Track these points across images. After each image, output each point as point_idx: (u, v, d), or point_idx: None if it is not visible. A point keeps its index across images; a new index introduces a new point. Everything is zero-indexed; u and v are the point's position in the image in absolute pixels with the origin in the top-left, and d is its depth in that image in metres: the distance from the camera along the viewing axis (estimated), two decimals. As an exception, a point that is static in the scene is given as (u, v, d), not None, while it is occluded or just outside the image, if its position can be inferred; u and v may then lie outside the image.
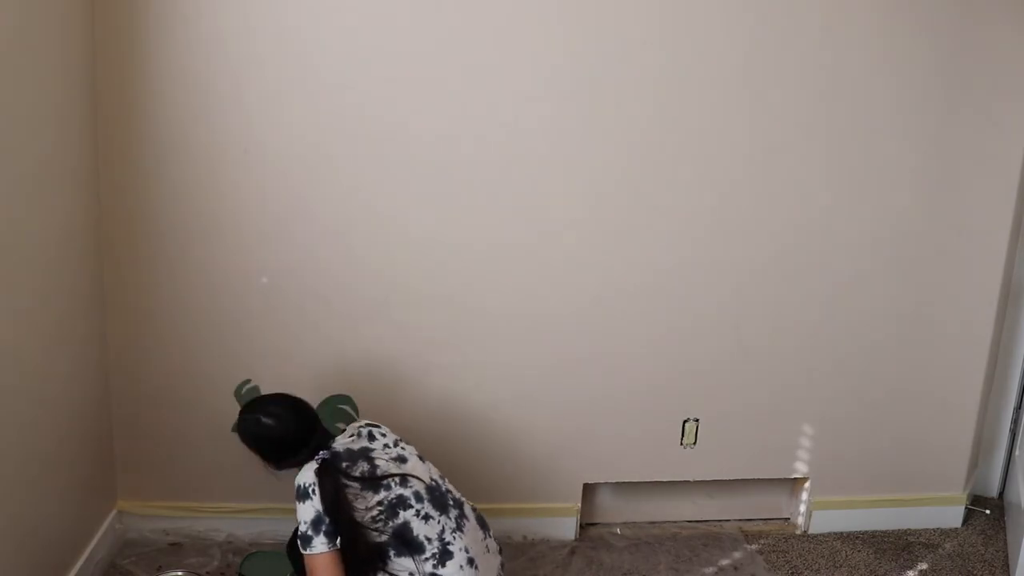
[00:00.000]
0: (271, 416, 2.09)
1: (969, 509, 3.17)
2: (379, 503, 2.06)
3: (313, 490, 2.00)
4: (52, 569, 2.29)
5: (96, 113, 2.41)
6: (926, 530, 3.08)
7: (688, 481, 2.96)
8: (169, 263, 2.54)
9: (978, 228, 2.84)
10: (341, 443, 2.13)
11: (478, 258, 2.64)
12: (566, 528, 2.90)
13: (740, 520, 3.08)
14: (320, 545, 1.98)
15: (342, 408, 2.60)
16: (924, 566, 2.86)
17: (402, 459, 2.17)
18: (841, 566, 2.85)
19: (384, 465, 2.12)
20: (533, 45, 2.52)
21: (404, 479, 2.11)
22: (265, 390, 2.64)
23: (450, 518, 2.13)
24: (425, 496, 2.12)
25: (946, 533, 3.07)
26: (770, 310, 2.82)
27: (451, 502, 2.18)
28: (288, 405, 2.14)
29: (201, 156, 2.47)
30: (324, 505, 1.99)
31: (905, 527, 3.08)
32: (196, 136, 2.46)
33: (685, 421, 2.88)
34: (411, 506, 2.09)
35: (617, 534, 2.96)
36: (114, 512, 2.69)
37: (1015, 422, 3.23)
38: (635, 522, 3.02)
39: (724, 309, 2.79)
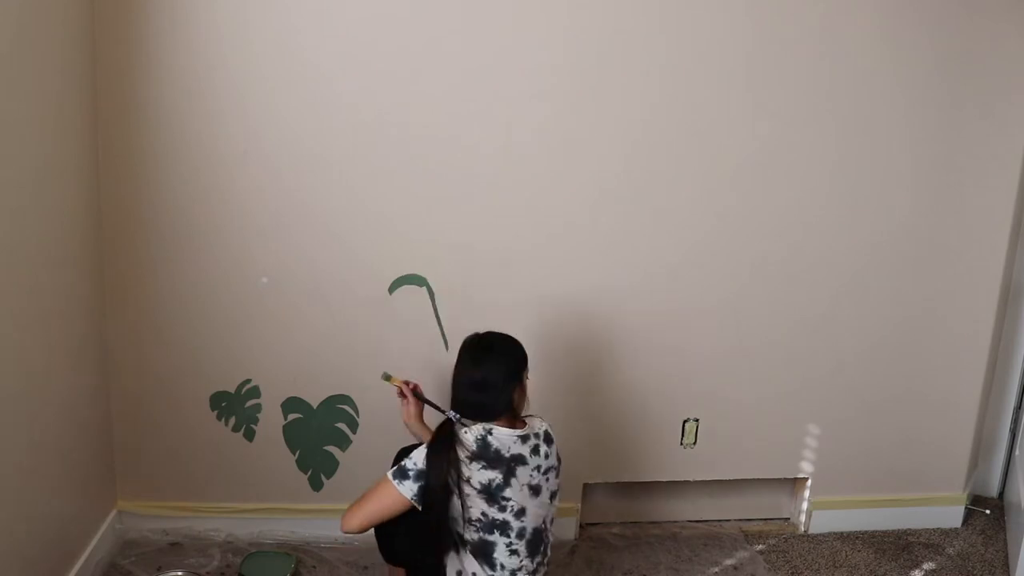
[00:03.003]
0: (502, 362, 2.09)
1: (969, 509, 3.17)
2: (483, 514, 2.02)
3: (435, 450, 2.00)
4: (52, 569, 2.29)
5: (96, 113, 2.41)
6: (926, 530, 3.08)
7: (688, 481, 2.97)
8: (169, 263, 2.54)
9: (978, 228, 2.84)
10: (507, 433, 2.05)
11: (478, 258, 2.64)
12: (566, 528, 2.89)
13: (740, 520, 3.08)
14: (407, 491, 1.99)
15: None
16: (924, 566, 2.86)
17: (536, 491, 2.08)
18: (841, 566, 2.85)
19: (516, 493, 2.03)
20: (534, 45, 2.52)
21: (522, 512, 2.05)
22: (265, 390, 2.66)
23: (532, 563, 2.10)
24: (528, 536, 2.07)
25: (946, 533, 3.07)
26: (770, 310, 2.82)
27: (542, 549, 2.14)
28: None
29: (201, 156, 2.47)
30: (427, 469, 1.99)
31: (905, 527, 3.08)
32: (196, 136, 2.46)
33: (685, 421, 2.88)
34: (509, 535, 2.04)
35: (617, 534, 2.96)
36: (114, 512, 2.68)
37: (1015, 422, 3.23)
38: (635, 522, 3.02)
39: (724, 309, 2.80)
